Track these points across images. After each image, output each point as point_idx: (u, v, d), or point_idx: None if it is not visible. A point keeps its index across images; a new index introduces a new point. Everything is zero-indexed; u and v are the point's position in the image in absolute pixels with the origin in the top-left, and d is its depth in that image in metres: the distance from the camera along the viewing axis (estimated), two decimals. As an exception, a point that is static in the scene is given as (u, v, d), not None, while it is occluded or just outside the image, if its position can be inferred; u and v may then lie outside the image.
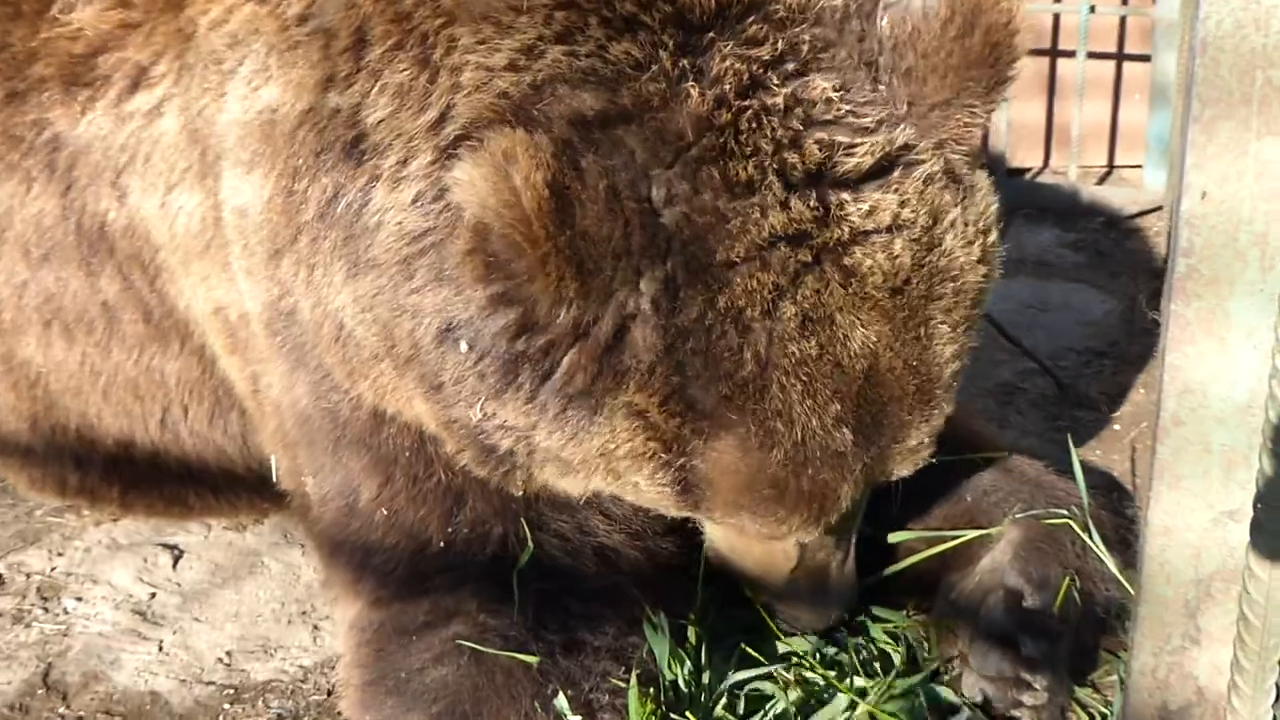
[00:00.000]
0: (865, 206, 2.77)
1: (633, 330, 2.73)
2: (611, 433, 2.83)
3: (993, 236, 2.99)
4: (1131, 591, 2.75)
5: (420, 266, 2.89)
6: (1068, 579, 3.30)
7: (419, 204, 2.89)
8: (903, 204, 2.81)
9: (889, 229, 2.79)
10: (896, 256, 2.78)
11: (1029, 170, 7.45)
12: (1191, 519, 2.20)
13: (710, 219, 2.69)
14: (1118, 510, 3.67)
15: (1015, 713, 3.23)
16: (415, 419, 3.18)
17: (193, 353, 4.03)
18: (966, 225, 2.92)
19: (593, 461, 2.90)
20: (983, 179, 3.00)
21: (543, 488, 3.16)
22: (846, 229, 2.76)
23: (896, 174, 2.82)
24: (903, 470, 3.08)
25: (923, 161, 2.84)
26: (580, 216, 2.61)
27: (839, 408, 2.83)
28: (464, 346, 2.84)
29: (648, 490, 2.94)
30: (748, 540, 3.29)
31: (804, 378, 2.77)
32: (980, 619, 3.26)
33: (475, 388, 2.88)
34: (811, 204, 2.73)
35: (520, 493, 3.20)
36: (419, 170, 2.89)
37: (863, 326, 2.79)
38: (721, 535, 3.37)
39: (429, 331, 2.90)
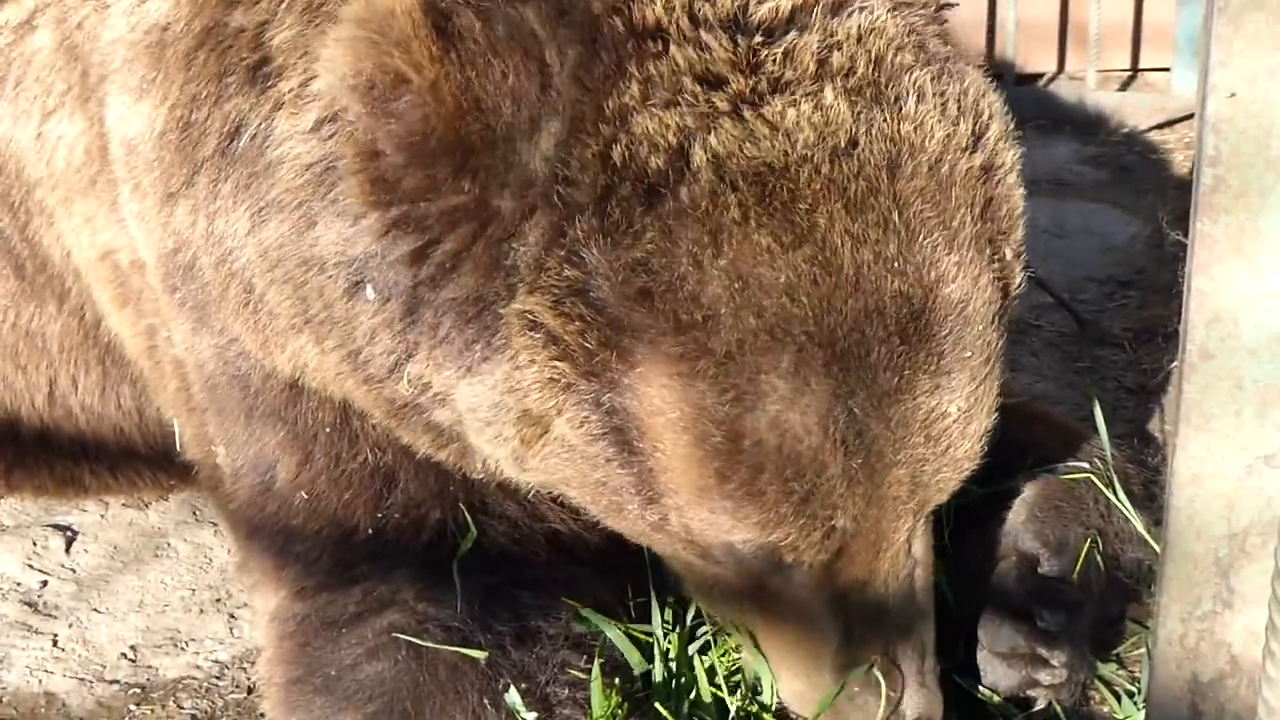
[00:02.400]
0: (780, 51, 2.66)
1: (522, 212, 2.63)
2: (513, 358, 2.71)
3: (995, 126, 2.84)
4: (1158, 551, 2.77)
5: (319, 205, 2.87)
6: (1088, 541, 3.30)
7: (318, 130, 2.87)
8: (830, 49, 2.68)
9: (815, 76, 2.66)
10: (829, 107, 2.63)
11: (1041, 76, 7.46)
12: (1223, 465, 2.21)
13: (606, 69, 2.60)
14: (1144, 461, 3.69)
15: (1031, 693, 3.25)
16: (343, 394, 3.16)
17: (73, 312, 4.01)
18: (943, 97, 2.75)
19: (505, 405, 2.76)
20: (972, 70, 2.89)
21: (506, 474, 3.07)
22: (764, 78, 2.64)
23: (822, 19, 2.70)
24: (936, 470, 2.82)
25: (865, 10, 2.73)
26: (462, 48, 2.52)
27: (789, 303, 2.58)
28: (370, 292, 2.82)
29: (577, 444, 2.76)
30: (759, 597, 3.01)
31: (727, 252, 2.57)
32: (992, 588, 3.26)
33: (388, 344, 2.85)
34: (724, 44, 2.63)
35: (479, 475, 3.17)
36: (319, 90, 2.86)
37: (804, 200, 2.59)
38: (728, 598, 3.11)
39: (339, 285, 2.87)
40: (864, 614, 2.95)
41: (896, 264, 2.63)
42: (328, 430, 3.28)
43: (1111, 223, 5.91)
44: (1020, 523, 3.32)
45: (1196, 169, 2.20)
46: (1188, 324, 2.21)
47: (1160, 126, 6.89)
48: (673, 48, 2.61)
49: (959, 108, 2.76)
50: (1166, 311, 5.05)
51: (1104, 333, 5.01)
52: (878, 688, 2.96)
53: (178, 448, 3.83)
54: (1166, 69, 7.29)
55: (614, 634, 3.14)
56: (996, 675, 3.21)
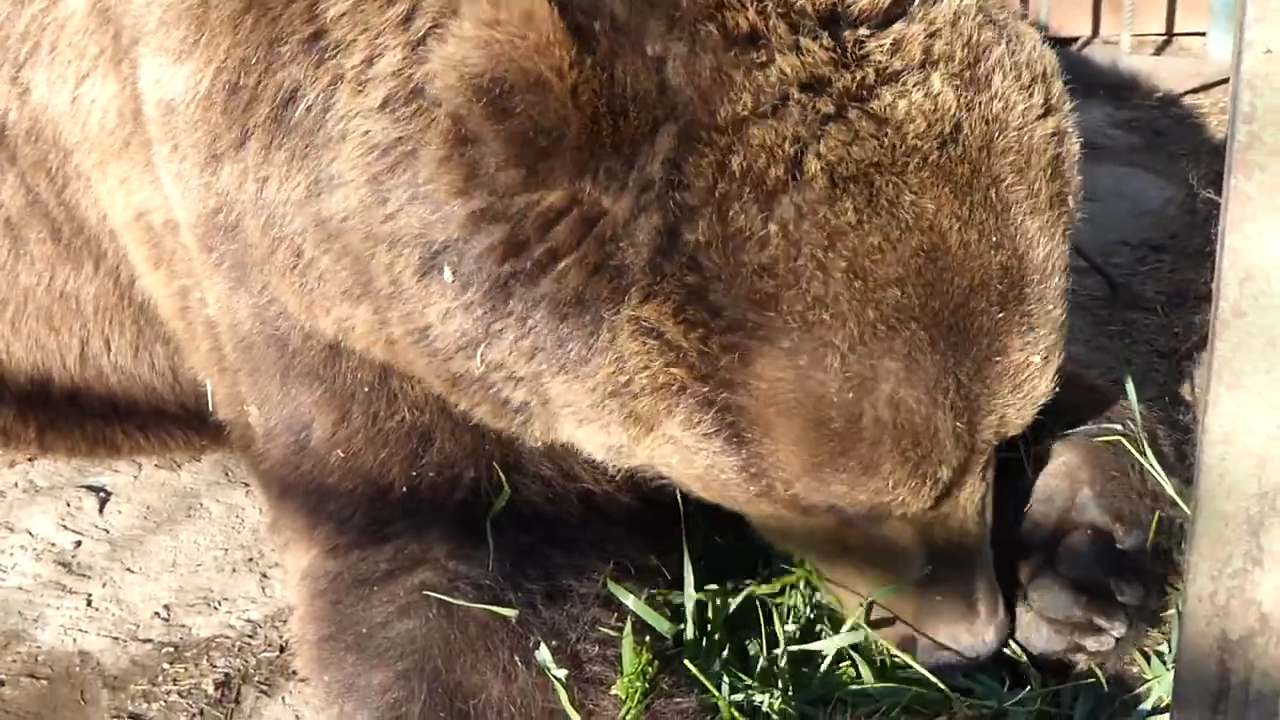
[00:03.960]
0: (888, 41, 2.73)
1: (633, 213, 2.67)
2: (619, 360, 2.77)
3: (1056, 85, 2.95)
4: (1189, 512, 2.78)
5: (394, 185, 2.85)
6: (1158, 515, 3.33)
7: (389, 109, 2.85)
8: (932, 35, 2.77)
9: (921, 65, 2.74)
10: (937, 94, 2.73)
11: (1075, 40, 7.43)
12: (1254, 424, 2.21)
13: (712, 77, 2.64)
14: (1175, 422, 3.69)
15: (1074, 657, 3.28)
16: (389, 357, 3.17)
17: (109, 274, 4.03)
18: (1019, 67, 2.86)
19: (607, 404, 2.84)
20: (1028, 28, 2.97)
21: (565, 446, 3.14)
22: (871, 70, 2.71)
23: (920, 6, 2.77)
24: (1017, 409, 2.97)
25: None
26: (597, 50, 2.56)
27: (899, 293, 2.72)
28: (448, 274, 2.81)
29: (691, 445, 2.87)
30: (852, 537, 3.16)
31: (845, 252, 2.68)
32: (1060, 558, 3.27)
33: (463, 325, 2.85)
34: (825, 43, 2.69)
35: (537, 444, 3.19)
36: (388, 70, 2.85)
37: (912, 191, 2.71)
38: (816, 539, 3.24)
39: (410, 262, 2.87)
40: (948, 541, 3.14)
41: (995, 238, 2.78)
42: (366, 390, 3.30)
43: (1144, 187, 5.89)
44: (1090, 496, 3.34)
45: (1231, 125, 2.19)
46: (1220, 282, 2.21)
47: (1195, 91, 6.86)
48: (776, 56, 2.66)
49: (1031, 76, 2.88)
50: (1198, 276, 5.05)
51: (1136, 296, 5.00)
52: (960, 602, 3.19)
53: (210, 408, 3.85)
54: (1202, 33, 7.26)
55: (638, 606, 3.15)
56: (1040, 638, 3.26)
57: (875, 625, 3.27)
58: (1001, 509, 3.34)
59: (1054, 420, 3.50)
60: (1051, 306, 2.93)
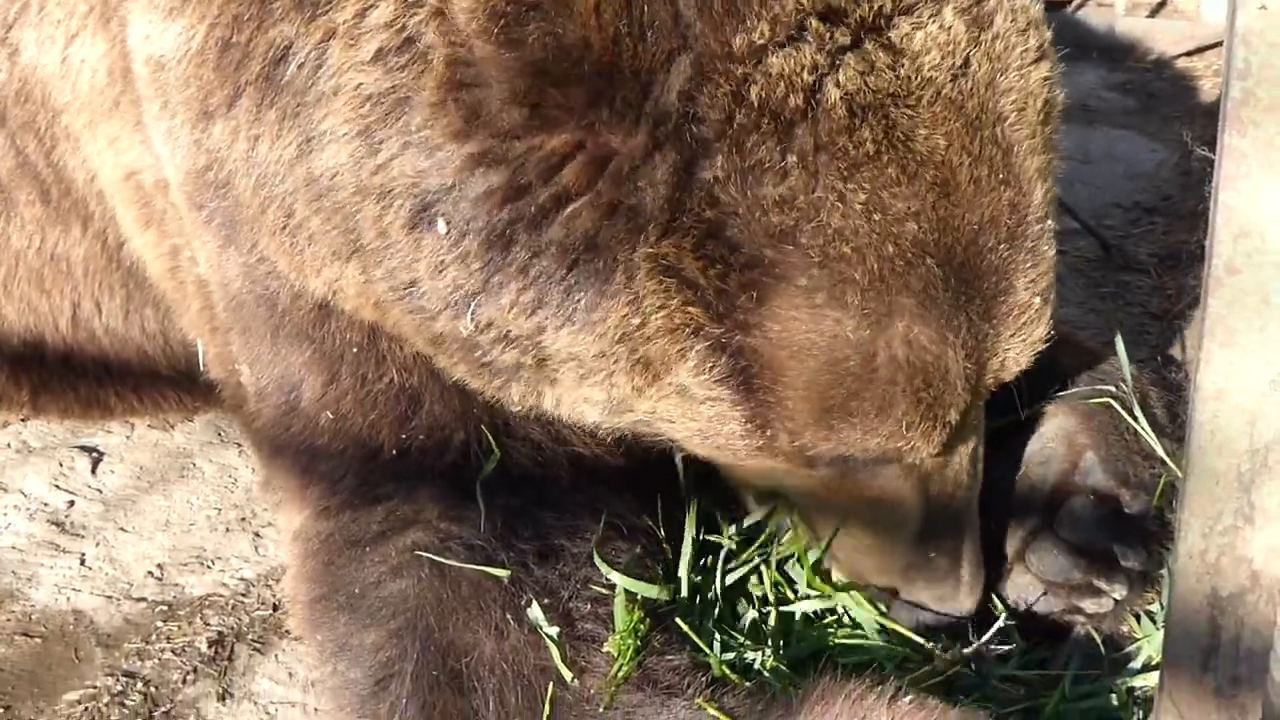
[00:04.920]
0: None
1: (649, 148, 2.64)
2: (634, 301, 2.74)
3: (1046, 33, 2.95)
4: (1180, 473, 2.78)
5: (385, 135, 2.82)
6: (1163, 480, 3.33)
7: (382, 60, 2.82)
8: None
9: None
10: (949, 26, 2.73)
11: (1070, 2, 7.40)
12: (1247, 381, 2.20)
13: (725, 6, 2.60)
14: (1167, 380, 3.69)
15: (1071, 619, 3.29)
16: (377, 318, 3.15)
17: (97, 236, 4.02)
18: (1015, 11, 2.86)
19: (614, 352, 2.82)
20: None
21: (550, 409, 3.09)
22: (887, 0, 2.69)
23: None
24: (1018, 353, 2.99)
25: None
26: None
27: (916, 228, 2.72)
28: (441, 226, 2.78)
29: (698, 394, 2.85)
30: (851, 489, 3.15)
31: (865, 184, 2.66)
32: (1062, 522, 3.28)
33: (458, 279, 2.81)
34: None
35: (516, 408, 3.16)
36: (380, 22, 2.82)
37: (925, 125, 2.71)
38: (805, 487, 3.24)
39: (400, 215, 2.84)
40: (942, 494, 3.14)
41: (1002, 175, 2.79)
42: (355, 350, 3.29)
43: (1138, 149, 5.88)
44: (1095, 461, 3.34)
45: (1225, 82, 2.18)
46: (1214, 239, 2.20)
47: (1189, 54, 6.84)
48: None
49: (1027, 20, 2.89)
50: (1191, 237, 5.04)
51: (1129, 258, 5.00)
52: (947, 563, 3.20)
53: (201, 368, 3.85)
54: (1196, -4, 7.24)
55: (623, 580, 3.13)
56: (1038, 600, 3.25)
57: (855, 585, 3.30)
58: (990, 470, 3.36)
59: (1045, 381, 3.51)
60: (1048, 247, 2.94)
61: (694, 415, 2.90)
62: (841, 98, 2.64)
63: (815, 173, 2.66)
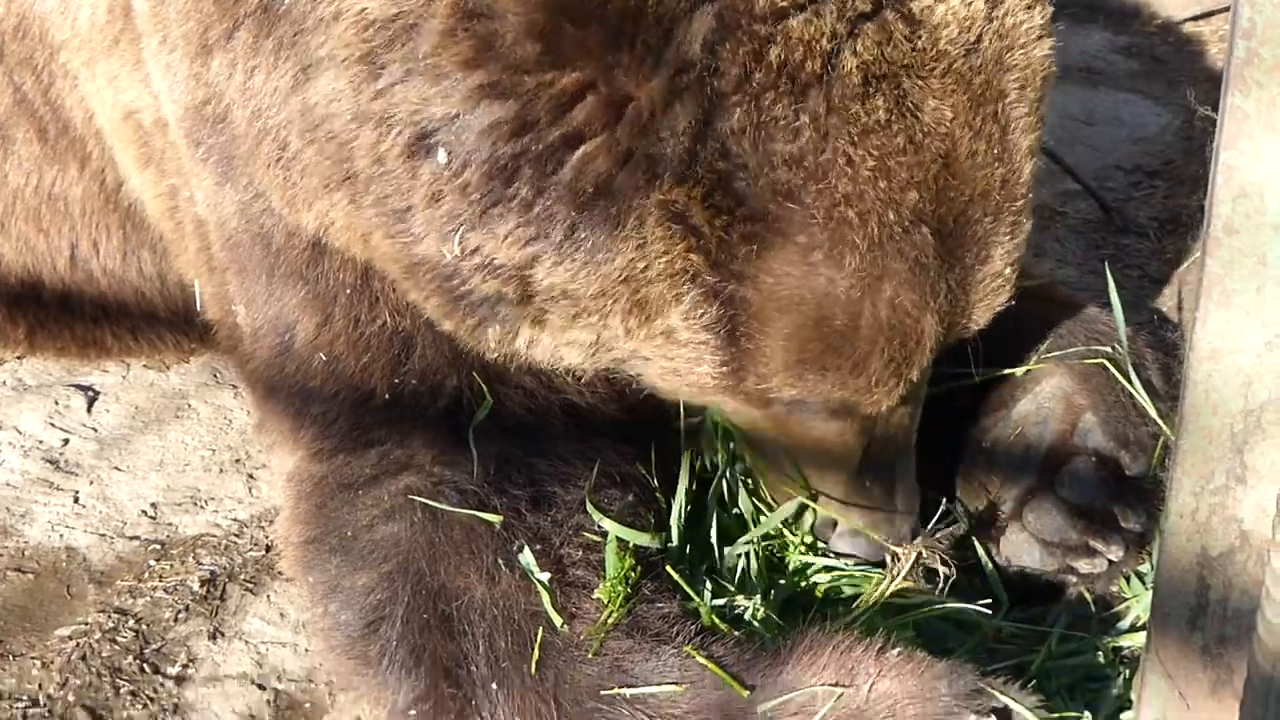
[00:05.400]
0: None
1: (668, 97, 2.64)
2: (641, 246, 2.75)
3: (1049, 9, 2.96)
4: (1173, 434, 2.78)
5: (389, 60, 2.78)
6: (1161, 442, 3.34)
7: None
8: None
9: None
10: (970, 2, 2.76)
11: (1076, -36, 7.36)
12: (1243, 341, 2.20)
13: None
14: (1164, 340, 3.69)
15: (1065, 578, 3.31)
16: (368, 258, 3.15)
17: (94, 176, 4.01)
18: None
19: (613, 291, 2.81)
20: None
21: (521, 352, 3.08)
22: None
23: None
24: (981, 315, 3.05)
25: None
26: None
27: (917, 197, 2.76)
28: (442, 155, 2.75)
29: (684, 338, 2.86)
30: (797, 428, 3.19)
31: (874, 152, 2.70)
32: (1063, 482, 3.29)
33: (455, 209, 2.79)
34: None
35: (491, 354, 3.14)
36: None
37: (935, 97, 2.74)
38: (750, 423, 3.27)
39: (398, 141, 2.80)
40: (884, 437, 3.20)
41: (998, 151, 2.84)
42: (348, 292, 3.28)
43: (1142, 112, 5.86)
44: (1095, 422, 3.35)
45: (1230, 41, 2.17)
46: (1214, 199, 2.19)
47: (1196, 18, 6.81)
48: None
49: None
50: (1192, 201, 5.04)
51: (1129, 221, 4.99)
52: (882, 496, 3.27)
53: (198, 308, 3.84)
54: (1204, -40, 7.20)
55: (614, 527, 3.13)
56: (1032, 558, 3.29)
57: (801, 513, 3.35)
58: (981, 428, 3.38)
59: (1043, 342, 3.52)
60: (1027, 220, 3.00)
61: (672, 356, 2.92)
62: (858, 66, 2.67)
63: (826, 135, 2.67)
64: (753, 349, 2.87)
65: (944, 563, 3.18)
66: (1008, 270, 2.99)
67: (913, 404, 3.21)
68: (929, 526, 3.27)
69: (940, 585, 3.20)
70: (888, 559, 3.23)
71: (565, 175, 2.70)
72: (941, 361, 3.33)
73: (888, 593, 3.18)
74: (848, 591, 3.25)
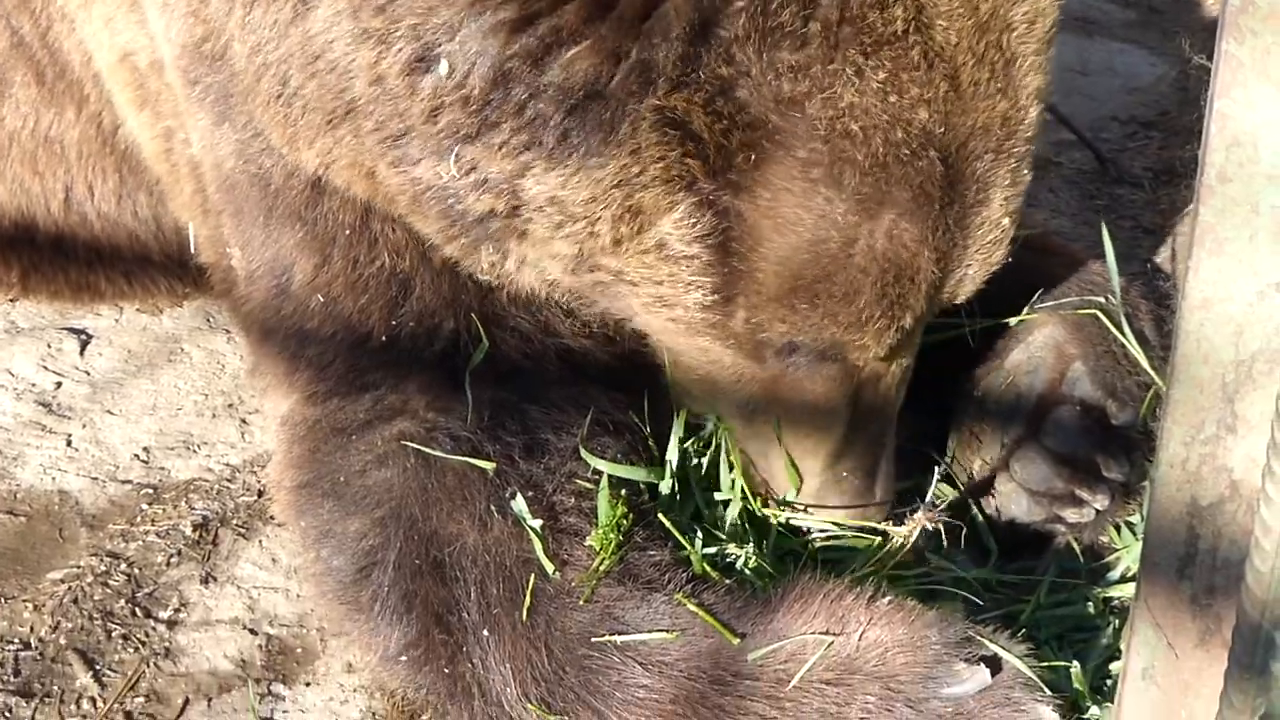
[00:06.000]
0: None
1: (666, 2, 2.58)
2: (635, 152, 2.69)
3: None
4: (1164, 384, 2.78)
5: None
6: (1151, 392, 3.34)
7: None
8: None
9: None
10: None
11: (1074, -87, 7.32)
12: (1234, 290, 2.19)
13: None
14: (1157, 289, 3.69)
15: (1053, 528, 3.32)
16: (371, 195, 3.12)
17: (91, 119, 4.00)
18: None
19: (605, 197, 2.76)
20: None
21: (512, 273, 3.08)
22: None
23: None
24: (977, 271, 3.01)
25: None
26: None
27: (926, 116, 2.70)
28: (444, 68, 2.70)
29: (675, 248, 2.80)
30: (787, 390, 3.15)
31: (888, 63, 2.65)
32: (1048, 431, 3.29)
33: (453, 123, 2.75)
34: None
35: (486, 276, 3.15)
36: None
37: (944, 17, 2.69)
38: (737, 389, 3.23)
39: (399, 59, 2.76)
40: (869, 407, 3.16)
41: (1001, 83, 2.79)
42: (347, 233, 3.26)
43: (1137, 63, 5.83)
44: (1084, 372, 3.34)
45: (1225, -11, 2.16)
46: (1207, 147, 2.18)
47: (1193, -31, 6.77)
48: None
49: None
50: (1187, 152, 5.01)
51: (1124, 171, 4.98)
52: (862, 482, 3.26)
53: (192, 252, 3.83)
54: (1203, -92, 7.15)
55: (609, 466, 3.14)
56: (1020, 508, 3.29)
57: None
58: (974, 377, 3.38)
59: (1033, 291, 3.51)
60: (1028, 171, 2.96)
61: (661, 277, 2.87)
62: None
63: (836, 44, 2.63)
64: (745, 270, 2.82)
65: (943, 531, 3.19)
66: (1006, 220, 2.95)
67: (900, 373, 3.18)
68: (928, 498, 3.27)
69: (934, 545, 3.22)
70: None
71: (554, 76, 2.65)
72: (931, 326, 3.33)
73: (887, 567, 3.19)
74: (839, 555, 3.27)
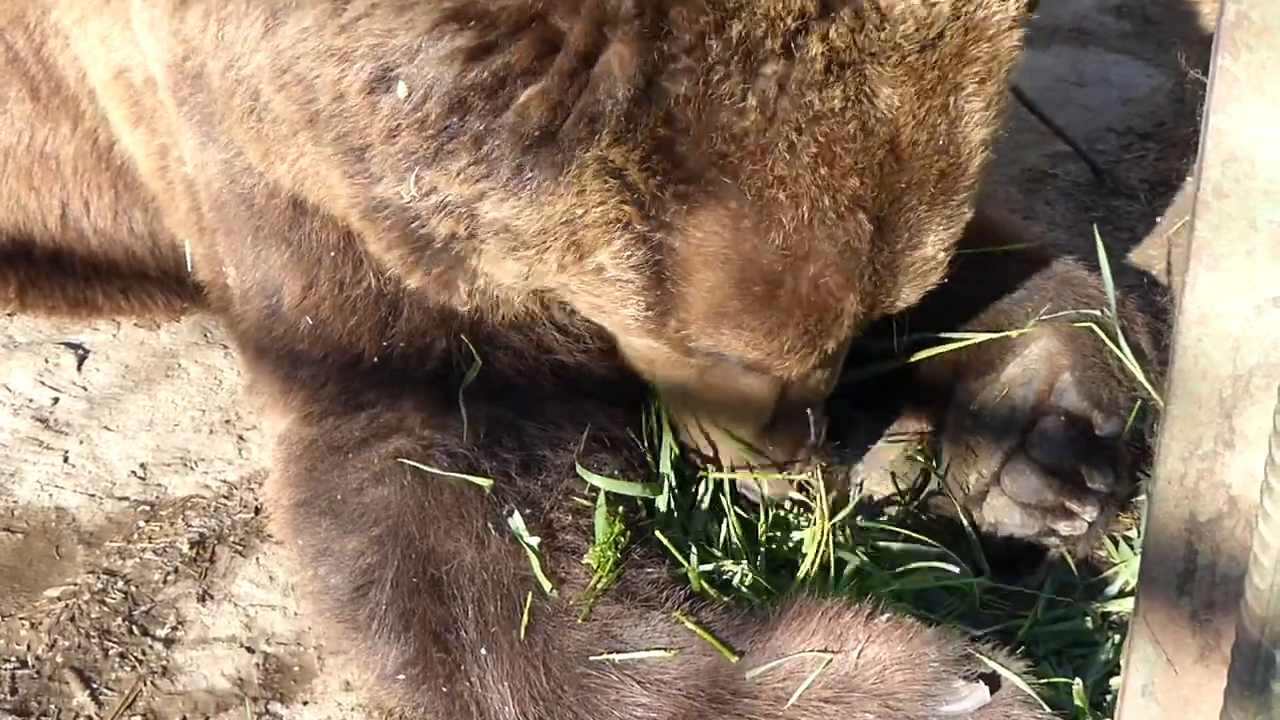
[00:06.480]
0: None
1: (609, 50, 2.59)
2: (580, 194, 2.72)
3: None
4: (1161, 398, 2.78)
5: None
6: (1139, 404, 3.34)
7: None
8: None
9: None
10: (934, 4, 2.71)
11: (1069, -76, 7.32)
12: (1231, 305, 2.18)
13: None
14: (1153, 304, 3.68)
15: (1047, 541, 3.31)
16: (335, 208, 3.10)
17: (86, 135, 3.99)
18: None
19: (553, 231, 2.78)
20: None
21: (484, 290, 3.07)
22: None
23: None
24: (909, 295, 3.03)
25: None
26: None
27: (858, 184, 2.73)
28: (401, 90, 2.70)
29: (612, 276, 2.84)
30: (717, 380, 3.22)
31: (820, 138, 2.67)
32: (1033, 442, 3.29)
33: (410, 145, 2.74)
34: None
35: (464, 306, 3.14)
36: None
37: (890, 84, 2.71)
38: (673, 372, 3.29)
39: (359, 77, 2.75)
40: (799, 396, 3.26)
41: (942, 143, 2.81)
42: (332, 253, 3.26)
43: (1133, 74, 5.83)
44: (1070, 382, 3.35)
45: (1221, 3, 2.15)
46: (1203, 162, 2.17)
47: (1188, -21, 6.78)
48: None
49: None
50: (1184, 164, 5.01)
51: (1120, 183, 4.97)
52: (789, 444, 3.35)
53: (189, 269, 3.83)
54: (1196, -80, 7.16)
55: (606, 483, 3.14)
56: (1013, 521, 3.29)
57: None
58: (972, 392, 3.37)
59: (1033, 307, 3.51)
60: (969, 209, 2.97)
61: (600, 292, 2.90)
62: (824, 51, 2.63)
63: (772, 117, 2.64)
64: (675, 294, 2.85)
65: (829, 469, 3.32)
66: (940, 255, 2.97)
67: (828, 371, 3.23)
68: (816, 439, 3.33)
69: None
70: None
71: (509, 117, 2.65)
72: (913, 327, 3.46)
73: (837, 517, 3.26)
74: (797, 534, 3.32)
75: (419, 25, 2.64)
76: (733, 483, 3.35)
